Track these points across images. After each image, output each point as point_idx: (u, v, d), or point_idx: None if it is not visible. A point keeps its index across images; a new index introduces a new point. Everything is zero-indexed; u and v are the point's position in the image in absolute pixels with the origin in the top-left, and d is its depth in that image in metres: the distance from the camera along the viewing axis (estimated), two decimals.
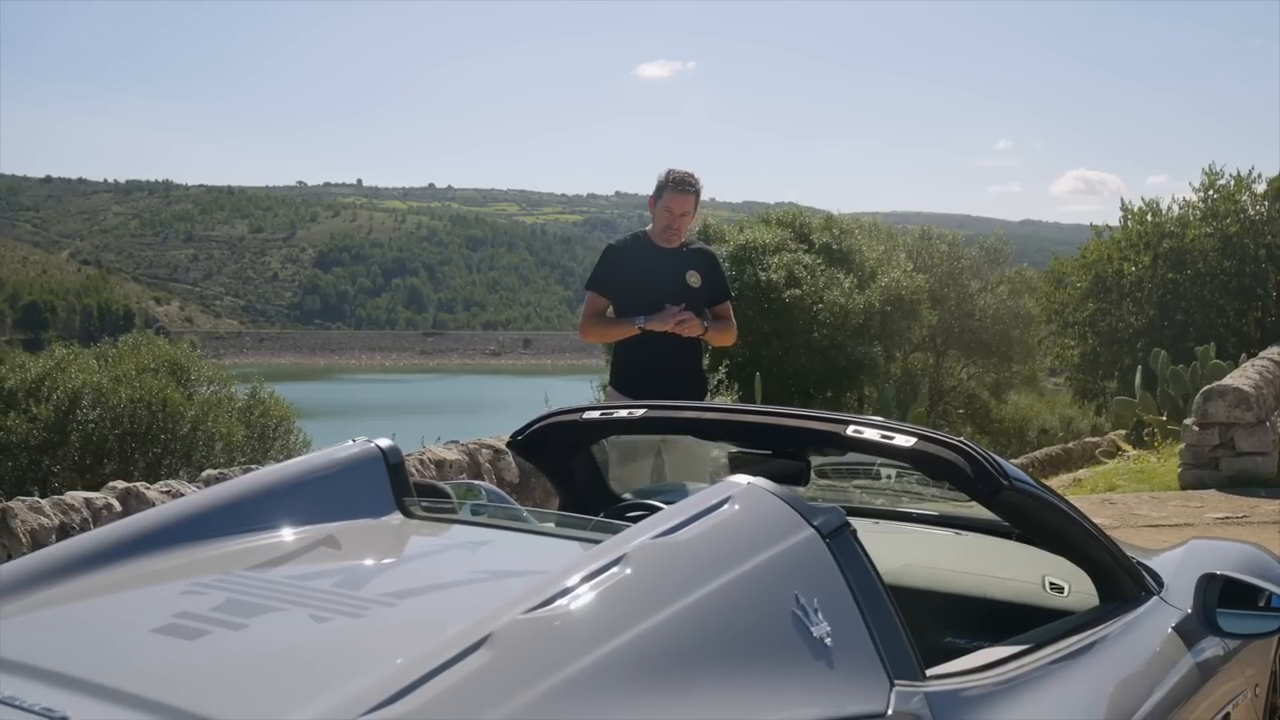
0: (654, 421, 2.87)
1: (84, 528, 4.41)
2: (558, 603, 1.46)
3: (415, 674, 1.30)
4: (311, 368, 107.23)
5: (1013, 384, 29.16)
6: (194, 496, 2.09)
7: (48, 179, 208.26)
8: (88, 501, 4.53)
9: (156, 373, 11.86)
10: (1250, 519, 8.11)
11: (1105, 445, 14.76)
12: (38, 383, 11.47)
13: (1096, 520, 2.55)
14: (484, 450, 6.26)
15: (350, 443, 2.26)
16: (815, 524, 1.75)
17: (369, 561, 2.01)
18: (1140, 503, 9.03)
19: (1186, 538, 3.23)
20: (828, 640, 1.63)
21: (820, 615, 1.64)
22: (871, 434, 2.35)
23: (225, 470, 5.18)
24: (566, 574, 1.52)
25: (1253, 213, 21.11)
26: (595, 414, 2.83)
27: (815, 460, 2.71)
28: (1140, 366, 15.83)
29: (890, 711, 1.64)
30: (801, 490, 2.40)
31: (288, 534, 2.01)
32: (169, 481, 5.04)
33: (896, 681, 1.68)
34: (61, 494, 4.69)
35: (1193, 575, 2.58)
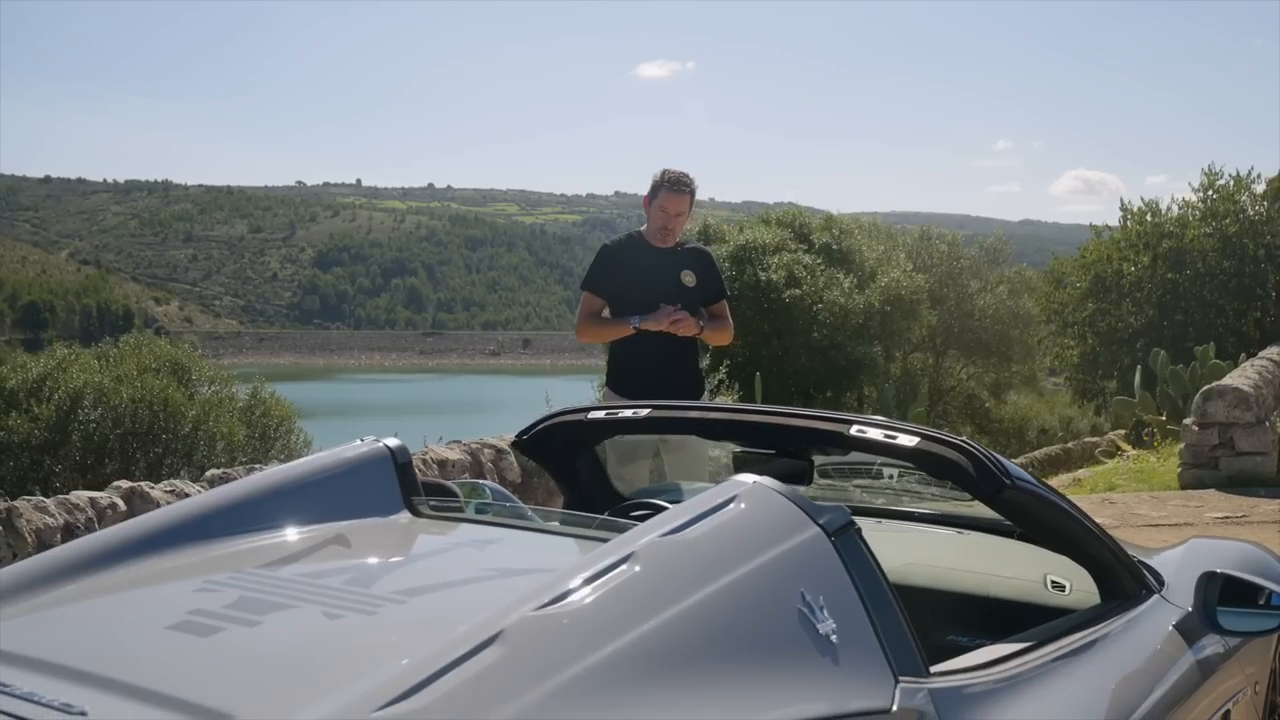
0: (659, 421, 2.89)
1: (89, 527, 4.42)
2: (567, 600, 1.47)
3: (428, 670, 1.31)
4: (311, 368, 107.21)
5: (1012, 384, 29.18)
6: (205, 496, 2.11)
7: (47, 179, 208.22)
8: (93, 501, 4.54)
9: (158, 373, 11.87)
10: (1250, 518, 8.13)
11: (1105, 445, 14.77)
12: (39, 383, 11.48)
13: (1097, 520, 2.57)
14: (486, 450, 6.28)
15: (358, 442, 2.28)
16: (821, 522, 1.77)
17: (379, 560, 2.03)
18: (1140, 502, 9.05)
19: (1186, 537, 3.24)
20: (833, 637, 1.64)
21: (826, 612, 1.66)
22: (875, 434, 2.37)
23: (229, 470, 5.20)
24: (576, 572, 1.53)
25: (1252, 213, 21.14)
26: (600, 414, 2.84)
27: (818, 460, 2.73)
28: (1140, 366, 15.85)
29: (895, 708, 1.66)
30: (804, 489, 2.42)
31: (298, 533, 2.03)
32: (173, 481, 5.05)
33: (901, 678, 1.70)
34: (63, 494, 4.70)
35: (1193, 574, 2.60)
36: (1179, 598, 2.59)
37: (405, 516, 2.18)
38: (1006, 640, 2.14)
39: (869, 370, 22.82)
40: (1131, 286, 21.61)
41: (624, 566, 1.55)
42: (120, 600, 1.78)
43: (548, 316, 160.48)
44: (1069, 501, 2.45)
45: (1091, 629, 2.29)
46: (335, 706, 1.27)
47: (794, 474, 2.44)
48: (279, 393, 13.49)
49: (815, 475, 2.73)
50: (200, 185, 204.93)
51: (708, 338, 5.01)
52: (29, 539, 4.21)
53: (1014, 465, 2.35)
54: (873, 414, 4.88)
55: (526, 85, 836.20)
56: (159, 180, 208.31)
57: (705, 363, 12.81)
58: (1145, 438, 13.65)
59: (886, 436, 2.35)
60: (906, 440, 2.33)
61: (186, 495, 4.76)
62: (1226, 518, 8.18)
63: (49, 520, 4.34)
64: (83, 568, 1.83)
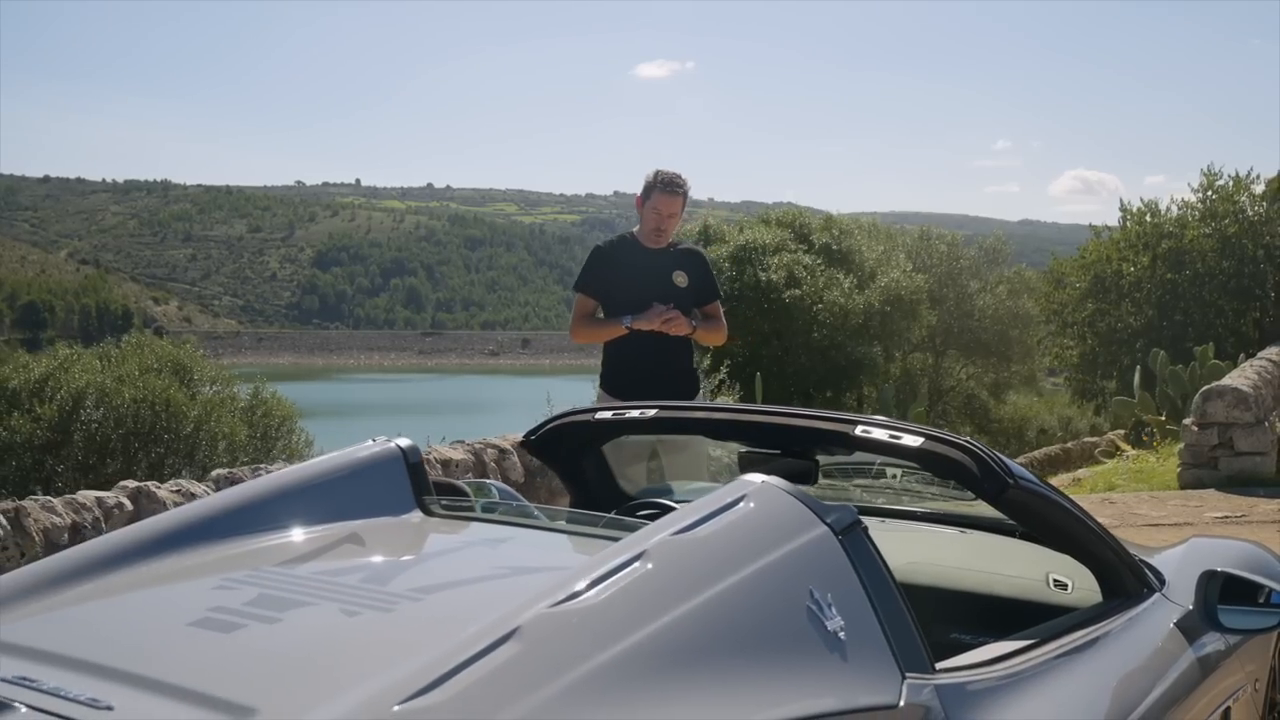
0: (666, 422, 2.91)
1: (95, 527, 4.45)
2: (582, 597, 1.50)
3: (447, 666, 1.34)
4: (310, 367, 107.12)
5: (1012, 384, 29.22)
6: (220, 495, 2.14)
7: (46, 179, 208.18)
8: (99, 501, 4.57)
9: (160, 373, 11.88)
10: (1249, 518, 8.16)
11: (1104, 445, 14.79)
12: (41, 383, 11.49)
13: (1097, 519, 2.59)
14: (490, 450, 6.30)
15: (370, 443, 2.31)
16: (828, 521, 1.79)
17: (394, 558, 2.06)
18: (1140, 502, 9.08)
19: (1186, 536, 3.26)
20: (841, 634, 1.67)
21: (834, 610, 1.68)
22: (880, 434, 2.39)
23: (234, 470, 5.22)
24: (590, 569, 1.56)
25: (1251, 213, 21.17)
26: (608, 414, 2.87)
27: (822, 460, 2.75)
28: (1139, 366, 15.87)
29: (902, 703, 1.68)
30: (809, 489, 2.45)
31: (313, 532, 2.06)
32: (179, 481, 5.08)
33: (907, 674, 1.73)
34: (65, 494, 4.73)
35: (1194, 572, 2.62)
36: (1180, 596, 2.61)
37: (417, 516, 2.20)
38: (1009, 638, 2.17)
39: (869, 370, 22.86)
40: (1131, 287, 21.64)
41: (636, 564, 1.58)
42: (141, 598, 1.81)
43: (547, 316, 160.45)
44: (1071, 501, 2.48)
45: (1093, 627, 2.31)
46: (357, 701, 1.30)
47: (799, 474, 2.46)
48: (280, 393, 13.48)
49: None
50: (199, 185, 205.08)
51: (701, 338, 5.01)
52: (36, 538, 4.24)
53: (1017, 465, 2.37)
54: (873, 414, 4.91)
55: (526, 85, 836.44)
56: (158, 180, 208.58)
57: (706, 363, 12.83)
58: (1145, 438, 13.68)
59: (891, 437, 2.38)
60: (911, 440, 2.35)
61: (193, 495, 4.78)
62: (1226, 517, 8.21)
63: (56, 520, 4.37)
64: (103, 566, 1.85)
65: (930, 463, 2.39)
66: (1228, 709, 2.63)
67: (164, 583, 1.85)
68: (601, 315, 4.95)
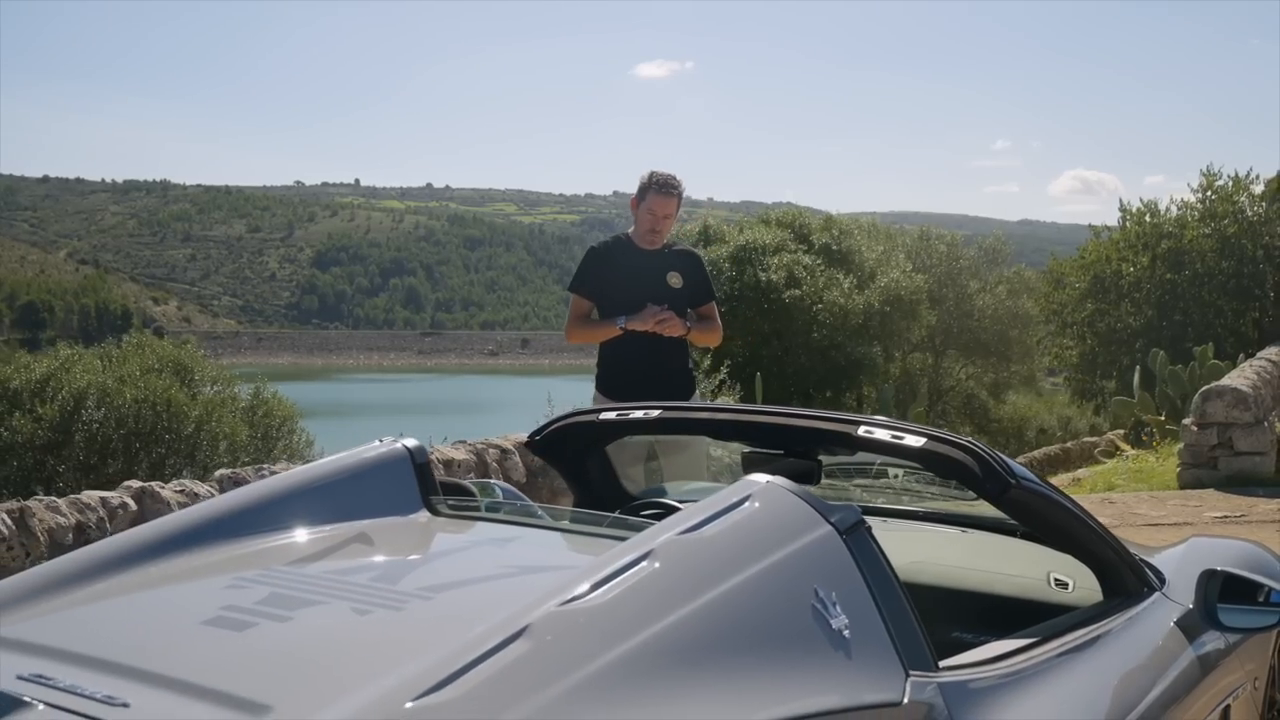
0: (670, 422, 2.93)
1: (100, 527, 4.47)
2: (591, 596, 1.51)
3: (458, 663, 1.36)
4: (309, 367, 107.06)
5: (1011, 384, 29.26)
6: (229, 495, 2.16)
7: (45, 179, 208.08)
8: (104, 501, 4.58)
9: (161, 373, 11.89)
10: (1249, 518, 8.18)
11: (1104, 445, 14.81)
12: (42, 383, 11.50)
13: (1097, 519, 2.61)
14: (491, 450, 6.32)
15: (377, 443, 2.33)
16: (833, 521, 1.81)
17: (403, 557, 2.08)
18: (1139, 502, 9.10)
19: (1186, 536, 3.28)
20: (846, 632, 1.69)
21: (839, 608, 1.70)
22: (882, 434, 2.41)
23: (238, 470, 5.24)
24: (598, 568, 1.57)
25: (1250, 214, 21.21)
26: (611, 415, 2.88)
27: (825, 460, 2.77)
28: (1139, 366, 15.89)
29: (906, 700, 1.70)
30: (813, 489, 2.46)
31: (322, 531, 2.07)
32: (182, 481, 5.09)
33: (911, 672, 1.75)
34: (66, 494, 4.74)
35: (1193, 572, 2.64)
36: (1180, 595, 2.63)
37: (424, 515, 2.22)
38: (1011, 636, 2.19)
39: (869, 370, 22.89)
40: (1130, 287, 21.68)
41: (644, 563, 1.60)
42: (154, 597, 1.83)
43: (546, 316, 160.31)
44: (1072, 501, 2.49)
45: (1094, 625, 2.33)
46: (370, 698, 1.31)
47: (802, 474, 2.48)
48: (281, 393, 13.49)
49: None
50: (198, 185, 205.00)
51: (696, 339, 5.02)
52: (41, 538, 4.25)
53: (1018, 465, 2.39)
54: (873, 414, 4.93)
55: (525, 85, 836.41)
56: (157, 180, 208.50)
57: (706, 363, 12.83)
58: (1144, 438, 13.70)
59: (893, 437, 2.39)
60: (913, 441, 2.37)
61: (196, 495, 4.80)
62: (1225, 517, 8.23)
63: (60, 520, 4.38)
64: (114, 565, 1.87)
65: (932, 463, 2.41)
66: (1227, 707, 2.65)
67: (176, 582, 1.87)
68: (596, 316, 4.97)
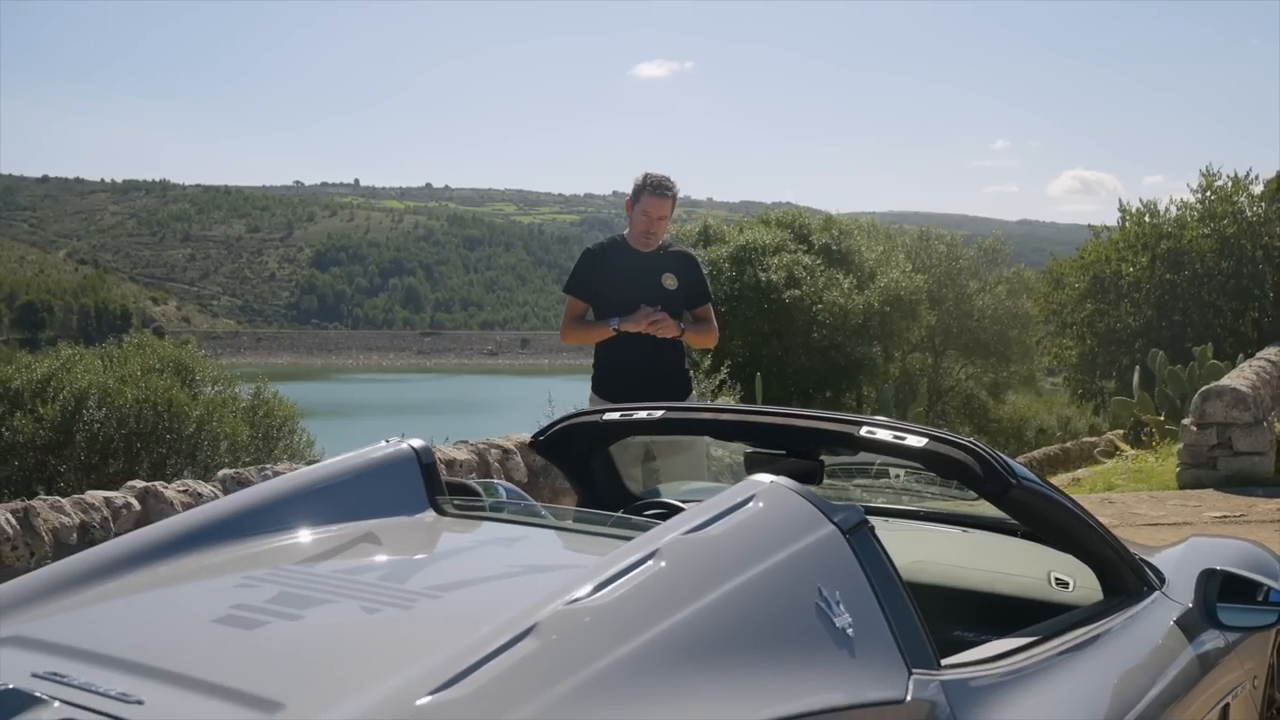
0: (673, 422, 2.95)
1: (104, 526, 4.48)
2: (598, 594, 1.53)
3: (468, 661, 1.37)
4: (309, 367, 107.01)
5: (1011, 384, 29.28)
6: (237, 496, 2.18)
7: (45, 179, 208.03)
8: (108, 500, 4.60)
9: (162, 373, 11.91)
10: (1248, 517, 8.20)
11: (1103, 445, 14.82)
12: (43, 383, 11.51)
13: (1097, 519, 2.63)
14: (493, 450, 6.34)
15: (384, 443, 2.34)
16: (836, 521, 1.83)
17: (411, 557, 2.10)
18: (1139, 502, 9.12)
19: (1186, 536, 3.29)
20: (849, 631, 1.71)
21: (842, 607, 1.72)
22: (884, 434, 2.42)
23: (240, 470, 5.26)
24: (605, 567, 1.59)
25: (1250, 214, 21.24)
26: (616, 415, 2.90)
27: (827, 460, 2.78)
28: (1138, 367, 15.92)
29: (908, 698, 1.72)
30: (815, 489, 2.48)
31: (330, 531, 2.09)
32: (185, 481, 5.11)
33: (914, 670, 1.77)
34: (67, 494, 4.76)
35: (1193, 571, 2.66)
36: (1179, 594, 2.65)
37: (431, 515, 2.24)
38: (1012, 635, 2.20)
39: (868, 370, 22.91)
40: (1130, 287, 21.70)
41: (650, 562, 1.61)
42: (165, 596, 1.85)
43: (545, 316, 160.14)
44: (1073, 501, 2.51)
45: (1094, 624, 2.35)
46: (381, 696, 1.33)
47: (805, 474, 2.49)
48: (282, 393, 13.52)
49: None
50: (198, 185, 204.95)
51: (690, 340, 5.02)
52: (45, 538, 4.27)
53: (1019, 465, 2.41)
54: (872, 414, 4.94)
55: (524, 85, 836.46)
56: (156, 180, 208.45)
57: (706, 363, 12.85)
58: (1144, 438, 13.72)
59: (896, 437, 2.41)
60: (915, 441, 2.38)
61: (200, 494, 4.82)
62: (1225, 517, 8.25)
63: (65, 520, 4.40)
64: (125, 565, 1.89)
65: (934, 463, 2.42)
66: (1227, 705, 2.67)
67: (187, 581, 1.89)
68: (592, 317, 4.98)
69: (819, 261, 22.70)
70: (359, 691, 1.35)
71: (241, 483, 4.96)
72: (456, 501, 2.31)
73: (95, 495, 4.64)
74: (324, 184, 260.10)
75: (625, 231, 5.06)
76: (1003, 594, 2.83)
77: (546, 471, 6.42)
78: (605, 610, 1.52)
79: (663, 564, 1.62)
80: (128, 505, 4.64)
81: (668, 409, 2.89)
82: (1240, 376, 11.15)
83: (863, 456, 2.89)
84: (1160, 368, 14.68)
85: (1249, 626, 2.62)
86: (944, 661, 1.87)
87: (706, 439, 4.19)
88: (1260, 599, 2.56)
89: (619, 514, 2.35)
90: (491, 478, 5.74)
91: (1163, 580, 2.69)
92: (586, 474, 3.15)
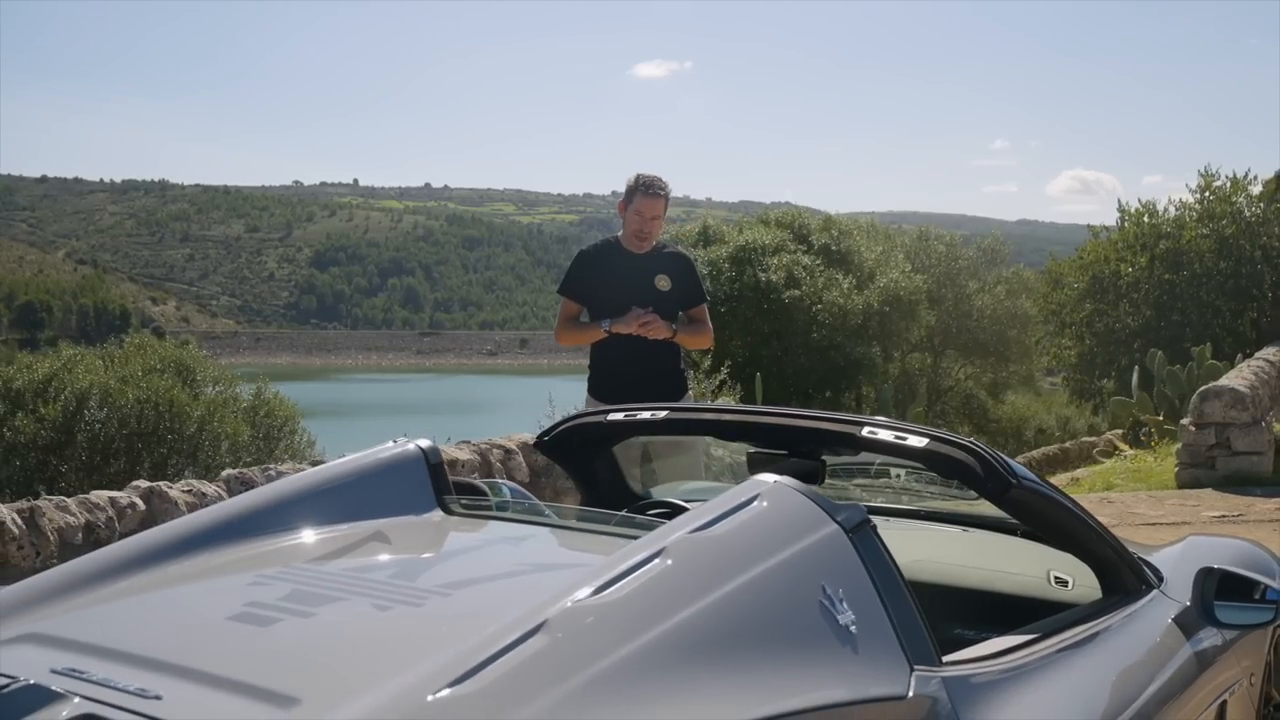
0: (677, 423, 2.98)
1: (109, 526, 4.51)
2: (606, 592, 1.56)
3: (479, 657, 1.40)
4: (308, 367, 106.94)
5: (1010, 384, 29.31)
6: (247, 496, 2.20)
7: (43, 178, 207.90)
8: (113, 500, 4.63)
9: (163, 373, 11.94)
10: (1246, 517, 8.22)
11: (1102, 445, 14.84)
12: (45, 383, 11.54)
13: (1097, 518, 2.65)
14: (495, 450, 6.36)
15: (391, 443, 2.37)
16: (839, 520, 1.86)
17: (420, 555, 2.13)
18: (1138, 501, 9.15)
19: (1184, 535, 3.32)
20: (852, 628, 1.74)
21: (845, 605, 1.75)
22: (886, 434, 2.45)
23: (244, 470, 5.29)
24: (613, 565, 1.62)
25: (1249, 214, 21.26)
26: (619, 415, 2.93)
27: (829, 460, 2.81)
28: (1137, 367, 15.94)
29: (910, 694, 1.75)
30: (817, 488, 2.50)
31: (339, 530, 2.12)
32: (190, 481, 5.14)
33: (916, 666, 1.79)
34: (69, 493, 4.79)
35: (1191, 570, 2.69)
36: (1178, 593, 2.67)
37: (438, 514, 2.26)
38: (1012, 633, 2.23)
39: (868, 370, 22.93)
40: (1129, 287, 21.73)
41: (656, 561, 1.64)
42: (180, 594, 1.87)
43: (545, 316, 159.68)
44: (1072, 500, 2.53)
45: (1093, 622, 2.37)
46: (393, 692, 1.35)
47: (807, 474, 2.52)
48: (282, 393, 13.55)
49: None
50: (197, 185, 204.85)
51: (684, 341, 5.01)
52: (51, 537, 4.30)
53: (1019, 465, 2.44)
54: (872, 414, 4.97)
55: (524, 84, 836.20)
56: (156, 180, 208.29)
57: (706, 363, 12.86)
58: (1143, 438, 13.74)
59: (897, 438, 2.43)
60: (916, 441, 2.41)
61: (204, 494, 4.85)
62: (1223, 516, 8.28)
63: (70, 519, 4.43)
64: (139, 563, 1.92)
65: (935, 463, 2.45)
66: (1224, 703, 2.69)
67: (200, 580, 1.91)
68: (586, 319, 5.00)
69: (818, 262, 22.73)
70: (372, 687, 1.38)
71: (246, 483, 4.99)
72: (464, 501, 2.34)
73: (100, 495, 4.67)
74: (323, 184, 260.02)
75: (619, 233, 5.07)
76: (1003, 592, 2.86)
77: (548, 471, 6.44)
78: (612, 608, 1.54)
79: (669, 562, 1.64)
80: (133, 505, 4.67)
81: (671, 409, 2.92)
82: (1239, 376, 11.18)
83: (863, 456, 2.91)
84: (1159, 368, 14.71)
85: (1246, 624, 2.65)
86: (945, 659, 1.90)
87: (705, 440, 4.22)
88: (1257, 597, 2.59)
89: (623, 513, 2.38)
90: (494, 477, 5.77)
91: (1161, 579, 2.71)
92: (590, 474, 3.18)
